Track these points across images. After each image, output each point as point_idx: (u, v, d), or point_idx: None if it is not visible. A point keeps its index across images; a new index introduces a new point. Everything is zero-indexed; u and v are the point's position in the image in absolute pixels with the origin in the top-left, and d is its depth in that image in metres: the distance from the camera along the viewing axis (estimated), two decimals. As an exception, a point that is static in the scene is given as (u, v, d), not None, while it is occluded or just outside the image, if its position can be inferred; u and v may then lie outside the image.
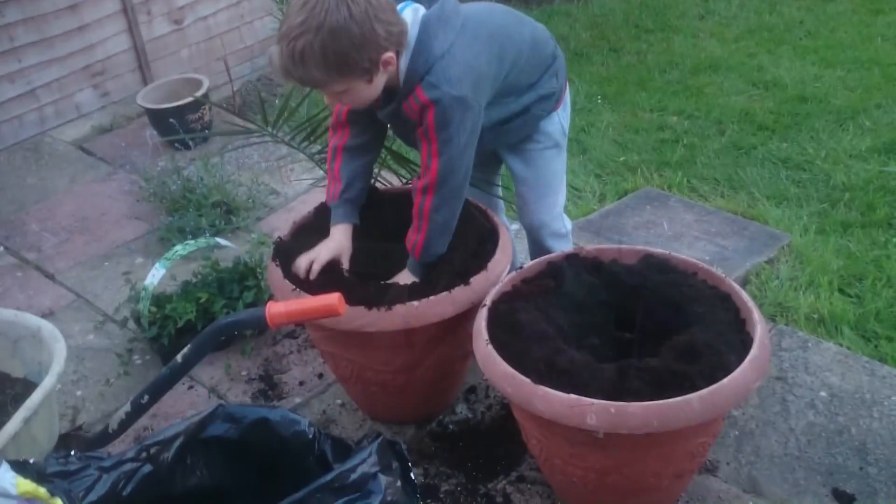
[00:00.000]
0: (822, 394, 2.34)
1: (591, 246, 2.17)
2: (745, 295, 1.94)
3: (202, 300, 2.60)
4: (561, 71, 2.31)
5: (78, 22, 4.29)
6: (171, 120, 3.80)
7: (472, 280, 2.06)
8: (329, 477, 1.37)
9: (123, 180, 3.76)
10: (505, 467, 2.21)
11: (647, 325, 2.03)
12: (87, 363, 2.72)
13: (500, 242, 2.19)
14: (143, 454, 1.40)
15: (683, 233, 3.24)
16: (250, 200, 3.45)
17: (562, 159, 2.40)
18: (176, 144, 3.93)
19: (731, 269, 3.00)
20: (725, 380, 1.70)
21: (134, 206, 3.55)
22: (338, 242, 2.20)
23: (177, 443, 1.45)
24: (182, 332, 2.58)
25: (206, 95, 3.95)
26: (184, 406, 2.51)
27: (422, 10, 1.98)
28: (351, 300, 1.99)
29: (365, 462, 1.41)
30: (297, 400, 2.50)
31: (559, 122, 2.33)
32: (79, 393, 2.60)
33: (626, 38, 5.18)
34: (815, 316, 2.80)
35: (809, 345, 2.50)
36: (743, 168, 3.76)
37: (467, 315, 2.06)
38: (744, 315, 1.91)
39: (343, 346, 2.17)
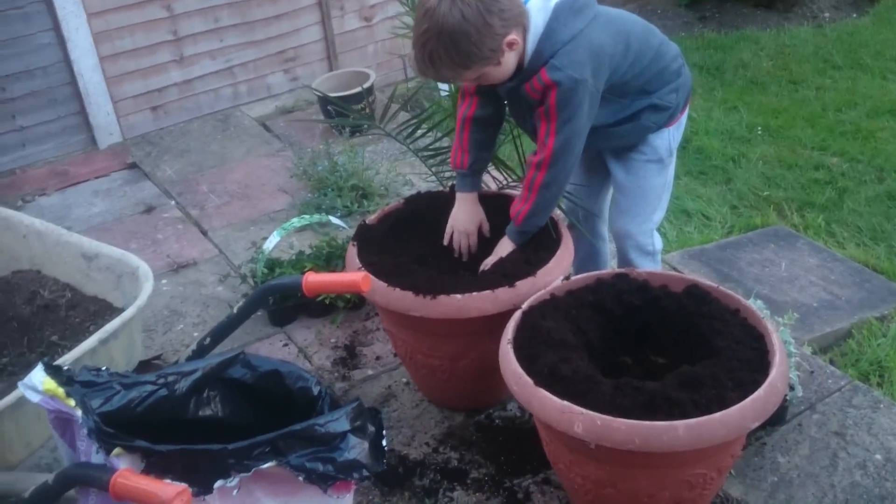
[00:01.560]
0: (878, 456, 2.24)
1: (644, 269, 2.22)
2: (777, 338, 1.93)
3: (306, 269, 2.88)
4: (682, 90, 2.37)
5: (276, 10, 4.76)
6: (328, 107, 4.15)
7: (517, 283, 2.18)
8: (299, 426, 1.56)
9: (288, 157, 4.15)
10: (535, 468, 2.31)
11: (676, 352, 2.06)
12: (210, 310, 3.09)
13: (559, 253, 2.29)
14: (161, 380, 1.66)
15: (799, 276, 3.14)
16: (384, 188, 3.71)
17: (663, 176, 2.45)
18: (340, 130, 4.28)
19: (836, 320, 2.91)
20: (717, 414, 1.72)
21: (288, 181, 3.92)
22: (472, 212, 2.40)
23: (194, 376, 1.70)
24: (285, 298, 2.87)
25: (370, 89, 4.27)
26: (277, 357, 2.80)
27: None
28: (403, 285, 2.19)
29: (336, 421, 1.59)
30: (370, 372, 2.72)
31: (668, 139, 2.39)
32: (195, 334, 2.96)
33: (810, 72, 4.97)
34: (913, 382, 2.66)
35: (882, 406, 2.39)
36: (892, 220, 3.57)
37: (511, 315, 2.18)
38: (770, 357, 1.90)
39: (397, 326, 2.36)
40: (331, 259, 2.95)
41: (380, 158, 3.95)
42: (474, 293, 2.16)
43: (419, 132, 2.74)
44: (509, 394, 2.53)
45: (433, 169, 2.79)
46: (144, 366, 2.20)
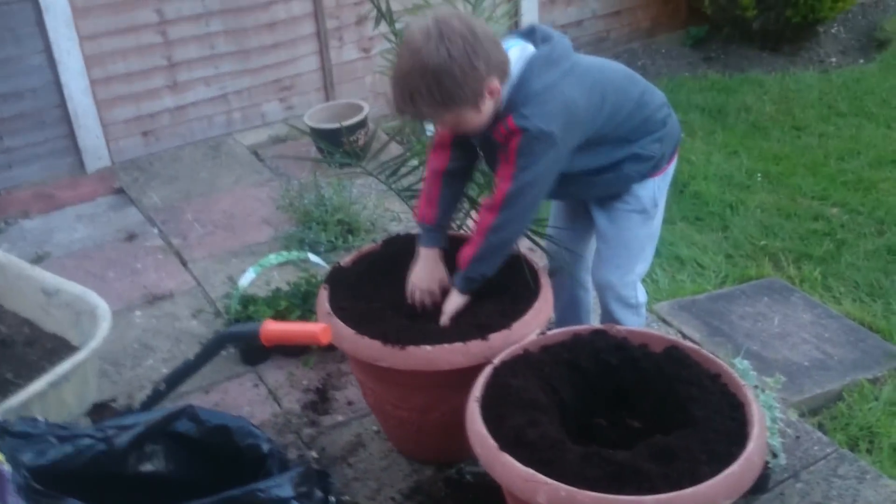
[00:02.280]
0: (862, 533, 2.13)
1: (624, 327, 2.12)
2: (756, 408, 1.82)
3: (281, 308, 2.79)
4: (668, 139, 2.29)
5: (274, 39, 4.72)
6: (318, 143, 4.09)
7: (490, 336, 2.09)
8: (239, 491, 1.47)
9: (276, 188, 4.08)
10: (504, 529, 2.20)
11: (653, 416, 1.96)
12: (182, 345, 3.00)
13: (536, 305, 2.20)
14: (100, 433, 1.57)
15: (792, 333, 3.04)
16: (370, 223, 3.63)
17: (648, 228, 2.37)
18: (328, 163, 4.20)
19: (827, 381, 2.80)
20: (688, 490, 1.62)
21: (274, 212, 3.84)
22: (433, 270, 2.30)
23: (136, 430, 1.61)
24: (257, 334, 2.78)
25: (362, 122, 4.21)
26: (244, 400, 2.71)
27: (530, 48, 2.08)
28: (372, 333, 2.10)
29: (279, 486, 1.49)
30: (340, 418, 2.62)
31: (653, 189, 2.31)
32: (164, 371, 2.87)
33: (813, 119, 4.89)
34: (904, 450, 2.55)
35: (868, 477, 2.28)
36: (891, 276, 3.46)
37: (482, 366, 2.08)
38: (748, 429, 1.80)
39: (366, 375, 2.27)
40: (308, 297, 2.86)
41: (368, 192, 3.87)
42: (445, 345, 2.06)
43: (403, 169, 2.66)
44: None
45: (415, 210, 2.70)
46: (98, 408, 2.12)
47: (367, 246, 2.52)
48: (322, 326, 1.76)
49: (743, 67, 5.73)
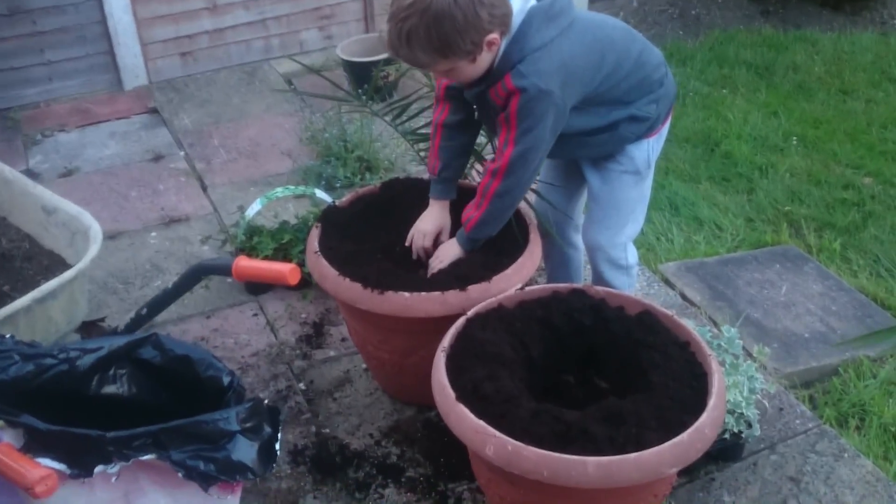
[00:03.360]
0: (828, 511, 2.13)
1: (603, 288, 2.12)
2: (718, 378, 1.82)
3: (284, 241, 2.84)
4: (664, 101, 2.26)
5: (315, -34, 4.69)
6: (344, 73, 4.08)
7: (469, 288, 2.10)
8: (184, 421, 1.52)
9: (304, 119, 4.10)
10: (471, 474, 2.24)
11: (617, 378, 1.97)
12: (190, 269, 3.08)
13: (520, 261, 2.20)
14: (63, 354, 1.64)
15: (797, 303, 3.00)
16: (389, 162, 3.64)
17: (640, 189, 2.35)
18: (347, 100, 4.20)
19: (825, 355, 2.77)
20: (631, 455, 1.64)
21: (297, 144, 3.88)
22: (438, 217, 2.33)
23: (98, 353, 1.68)
24: (259, 264, 2.85)
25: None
26: (242, 328, 2.78)
27: (532, 0, 2.03)
28: (354, 275, 2.14)
29: (225, 419, 1.55)
30: (331, 353, 2.68)
31: (647, 150, 2.28)
32: (171, 293, 2.96)
33: (863, 83, 4.72)
34: (894, 429, 2.52)
35: (845, 455, 2.26)
36: (914, 252, 3.37)
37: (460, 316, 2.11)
38: (707, 399, 1.80)
39: (349, 315, 2.32)
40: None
41: (391, 130, 3.86)
42: (422, 293, 2.09)
43: (408, 113, 2.65)
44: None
45: (421, 154, 2.71)
46: (88, 326, 2.20)
47: (366, 187, 2.54)
48: (290, 267, 1.79)
49: (800, 23, 5.52)
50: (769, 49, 5.14)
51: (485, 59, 2.01)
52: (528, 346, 2.00)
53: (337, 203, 2.46)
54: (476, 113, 2.26)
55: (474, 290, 2.11)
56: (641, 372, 1.89)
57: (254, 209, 2.89)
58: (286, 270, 1.78)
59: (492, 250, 2.25)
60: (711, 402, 1.77)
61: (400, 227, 2.42)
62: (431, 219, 2.32)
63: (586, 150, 2.28)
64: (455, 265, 2.21)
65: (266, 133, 4.04)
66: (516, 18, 2.00)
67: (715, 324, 2.84)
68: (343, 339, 2.73)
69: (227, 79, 4.60)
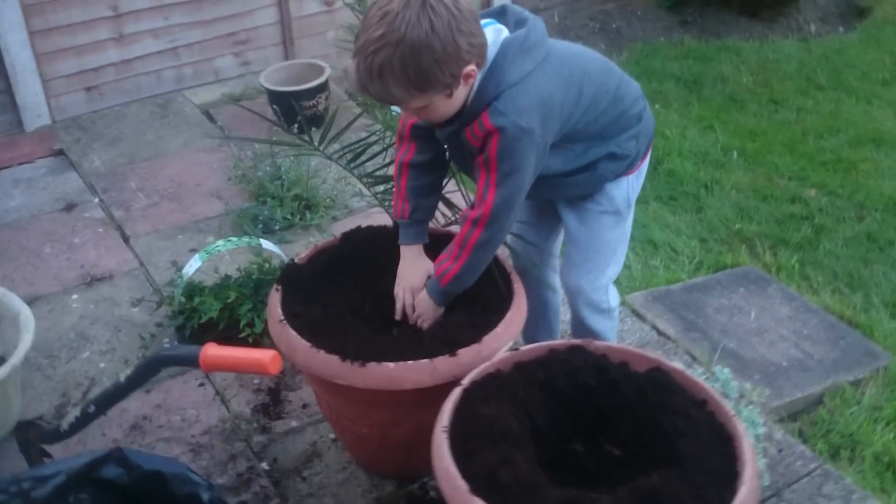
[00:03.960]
0: (849, 563, 2.01)
1: (600, 342, 1.95)
2: (747, 443, 1.67)
3: (230, 300, 2.57)
4: (643, 136, 2.11)
5: (228, -10, 4.40)
6: (273, 106, 3.83)
7: (459, 352, 1.90)
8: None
9: (228, 155, 3.81)
10: (469, 553, 2.04)
11: (633, 446, 1.80)
12: (121, 336, 2.77)
13: (508, 316, 2.01)
14: (14, 487, 1.36)
15: (769, 329, 2.91)
16: (330, 199, 3.41)
17: (620, 229, 2.19)
18: (286, 126, 3.94)
19: (807, 384, 2.68)
20: (678, 546, 1.47)
21: (225, 184, 3.59)
22: (420, 266, 2.10)
23: (56, 481, 1.40)
24: (204, 327, 2.57)
25: (323, 85, 3.94)
26: (188, 402, 2.50)
27: (505, 32, 1.86)
28: (329, 346, 1.91)
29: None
30: (294, 423, 2.43)
31: (626, 189, 2.13)
32: (102, 365, 2.65)
33: (792, 91, 4.73)
34: (886, 459, 2.44)
35: (854, 497, 2.16)
36: (870, 265, 3.35)
37: (452, 386, 1.91)
38: (739, 466, 1.64)
39: (321, 388, 2.08)
40: (260, 287, 2.65)
41: (328, 164, 3.61)
42: (409, 363, 1.87)
43: (369, 153, 2.43)
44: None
45: (379, 197, 2.48)
46: (24, 428, 1.90)
47: (324, 240, 2.31)
48: (271, 354, 1.55)
49: (720, 33, 5.53)
50: (695, 61, 5.12)
51: (461, 94, 1.82)
52: (533, 416, 1.80)
53: (296, 260, 2.22)
54: (447, 153, 2.07)
55: (465, 354, 1.91)
56: (664, 439, 1.72)
57: (192, 266, 2.61)
58: (266, 359, 1.53)
59: (475, 304, 2.06)
60: (748, 472, 1.61)
61: (366, 282, 2.20)
62: (415, 270, 2.10)
63: (563, 192, 2.12)
64: (440, 326, 2.01)
65: (188, 172, 3.74)
66: (490, 50, 1.82)
67: (694, 358, 2.72)
68: (304, 406, 2.49)
69: (139, 113, 4.26)
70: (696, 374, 2.12)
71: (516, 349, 1.93)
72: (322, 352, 1.90)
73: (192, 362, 1.62)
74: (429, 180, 2.11)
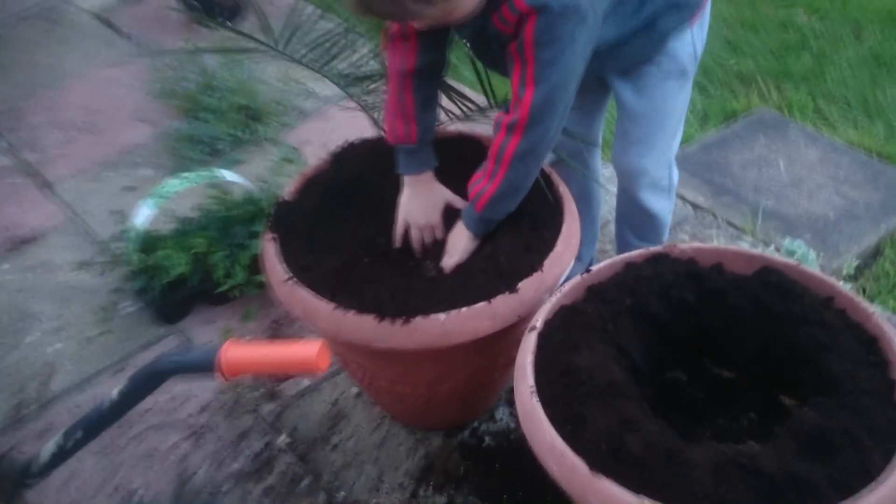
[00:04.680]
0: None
1: (685, 244, 1.60)
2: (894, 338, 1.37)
3: (200, 249, 2.13)
4: None
5: None
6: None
7: (520, 286, 1.53)
8: None
9: (142, 66, 3.24)
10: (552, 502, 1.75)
11: (756, 370, 1.49)
12: (71, 307, 2.32)
13: (565, 228, 1.64)
14: None
15: (804, 178, 2.61)
16: (277, 103, 2.92)
17: (685, 93, 1.83)
18: (207, 24, 3.37)
19: (860, 234, 2.41)
20: (871, 497, 1.17)
21: (147, 102, 3.05)
22: (429, 199, 1.71)
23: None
24: (173, 287, 2.14)
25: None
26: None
27: None
28: (360, 304, 1.51)
29: None
30: (306, 381, 2.06)
31: (692, 42, 1.75)
32: (59, 346, 2.21)
33: None
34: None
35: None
36: (882, 88, 3.05)
37: (513, 326, 1.55)
38: (893, 374, 1.35)
39: (349, 351, 1.70)
40: (229, 226, 2.20)
41: (265, 62, 3.09)
42: (463, 310, 1.49)
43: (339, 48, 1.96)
44: (498, 399, 1.97)
45: (357, 98, 2.03)
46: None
47: (312, 166, 1.86)
48: (316, 347, 1.15)
49: None
50: None
51: None
52: (629, 352, 1.46)
53: (285, 196, 1.78)
54: (469, 47, 1.63)
55: (527, 287, 1.54)
56: (799, 357, 1.41)
57: (144, 216, 2.15)
58: (311, 354, 1.14)
59: (520, 220, 1.67)
60: (913, 383, 1.31)
61: (373, 210, 1.79)
62: (425, 203, 1.71)
63: (617, 62, 1.72)
64: (488, 254, 1.62)
65: (100, 94, 3.17)
66: None
67: (735, 227, 2.41)
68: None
69: (24, 33, 3.61)
70: (751, 247, 1.83)
71: (589, 270, 1.56)
72: (352, 313, 1.50)
73: (206, 368, 1.21)
74: (432, 90, 1.70)
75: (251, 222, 2.21)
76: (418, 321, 1.49)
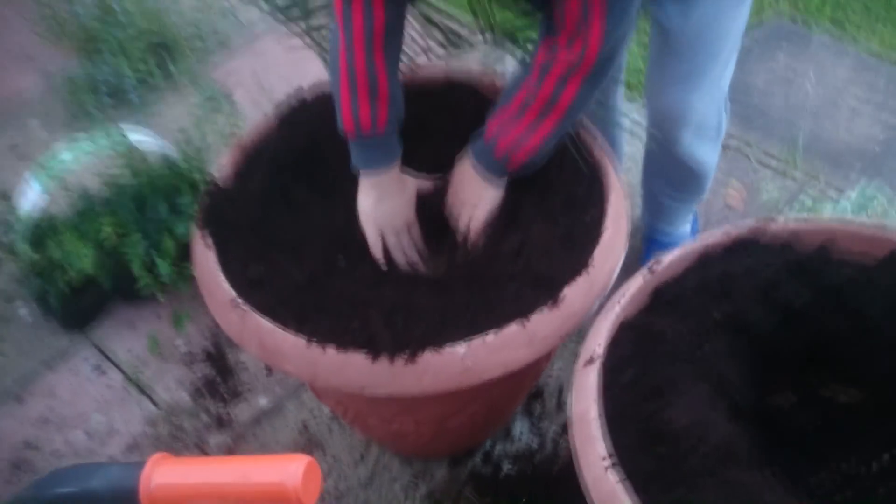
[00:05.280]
0: None
1: (778, 222, 1.17)
2: None
3: (106, 236, 1.63)
4: None
5: None
6: None
7: (564, 294, 1.09)
8: None
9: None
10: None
11: (891, 392, 1.09)
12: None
13: (611, 206, 1.20)
14: None
15: (836, 97, 2.21)
16: (194, 30, 2.37)
17: (743, 14, 1.38)
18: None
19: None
20: None
21: (32, 39, 2.46)
22: (402, 196, 1.26)
23: None
24: (78, 292, 1.65)
25: None
26: (90, 403, 1.63)
27: None
28: (343, 338, 1.06)
29: None
30: (263, 401, 1.61)
31: None
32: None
33: None
34: None
35: None
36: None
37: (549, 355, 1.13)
38: None
39: (334, 395, 1.25)
40: (144, 203, 1.70)
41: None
42: (490, 336, 1.05)
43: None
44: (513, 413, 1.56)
45: (301, 29, 1.52)
46: None
47: (252, 132, 1.36)
48: (300, 467, 0.70)
49: None
50: None
51: None
52: (728, 384, 1.05)
53: (217, 179, 1.29)
54: None
55: (573, 295, 1.10)
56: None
57: (33, 198, 1.63)
58: (290, 481, 0.68)
59: (552, 198, 1.23)
60: None
61: (344, 189, 1.31)
62: (394, 207, 1.24)
63: None
64: (513, 253, 1.18)
65: (-28, 30, 2.56)
66: None
67: (771, 161, 2.01)
68: (270, 369, 1.66)
69: None
70: (798, 187, 1.43)
71: (659, 262, 1.13)
72: (332, 349, 1.05)
73: (122, 499, 0.75)
74: (397, 55, 1.21)
75: (174, 195, 1.71)
76: (428, 358, 1.04)
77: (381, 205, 1.21)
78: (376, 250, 1.24)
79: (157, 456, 0.76)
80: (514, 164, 1.17)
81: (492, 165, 1.19)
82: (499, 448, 1.50)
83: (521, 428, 1.53)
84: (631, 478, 0.91)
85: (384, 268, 1.24)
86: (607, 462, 0.93)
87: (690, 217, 1.75)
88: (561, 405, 1.55)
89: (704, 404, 0.98)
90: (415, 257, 1.28)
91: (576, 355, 1.05)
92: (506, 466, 1.48)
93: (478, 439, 1.50)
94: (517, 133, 1.14)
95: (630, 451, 0.94)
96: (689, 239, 1.73)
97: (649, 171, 1.64)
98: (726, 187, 1.96)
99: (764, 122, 2.13)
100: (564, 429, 1.52)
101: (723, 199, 1.93)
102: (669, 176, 1.59)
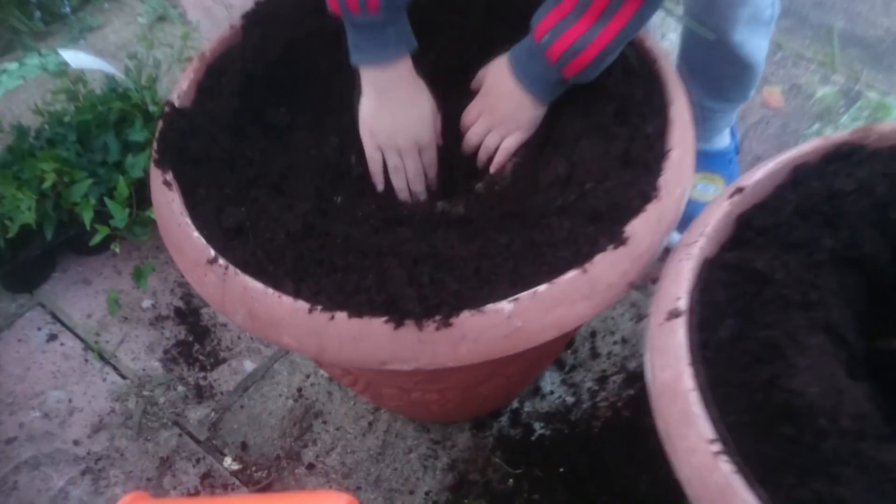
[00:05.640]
0: None
1: (883, 125, 0.94)
2: None
3: (46, 182, 1.36)
4: None
5: None
6: None
7: (628, 229, 0.86)
8: None
9: None
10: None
11: None
12: None
13: (675, 114, 0.96)
14: None
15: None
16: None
17: None
18: None
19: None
20: None
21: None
22: (420, 106, 1.00)
23: None
24: (18, 245, 1.39)
25: None
26: (46, 377, 1.38)
27: None
28: (359, 295, 0.83)
29: None
30: (248, 364, 1.38)
31: None
32: None
33: None
34: None
35: None
36: None
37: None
38: None
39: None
40: (88, 136, 1.43)
41: None
42: (542, 288, 0.82)
43: None
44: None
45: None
46: None
47: (215, 42, 1.08)
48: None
49: None
50: None
51: None
52: (845, 335, 0.84)
53: (176, 101, 1.02)
54: None
55: (640, 230, 0.87)
56: None
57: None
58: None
59: (603, 107, 0.98)
60: None
61: (333, 104, 1.06)
62: (401, 118, 0.99)
63: None
64: (565, 183, 0.94)
65: None
66: None
67: (806, 60, 1.78)
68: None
69: None
70: (840, 91, 1.22)
71: (741, 189, 0.89)
72: (343, 316, 0.81)
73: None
74: None
75: (124, 126, 1.44)
76: (466, 321, 0.81)
77: (383, 113, 0.96)
78: (375, 172, 0.99)
79: (128, 497, 0.53)
80: (576, 66, 0.92)
81: (540, 76, 0.94)
82: (528, 406, 1.29)
83: (551, 382, 1.32)
84: (749, 466, 0.70)
85: (379, 188, 1.00)
86: (716, 447, 0.71)
87: (729, 128, 1.51)
88: (595, 353, 1.34)
89: (829, 364, 0.77)
90: (420, 186, 1.04)
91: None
92: (538, 427, 1.27)
93: (508, 399, 1.28)
94: (579, 31, 0.89)
95: (744, 432, 0.73)
96: (730, 153, 1.51)
97: (686, 69, 1.40)
98: (759, 86, 1.72)
99: (793, 20, 1.88)
100: (601, 381, 1.31)
101: (760, 101, 1.70)
102: (714, 75, 1.35)
